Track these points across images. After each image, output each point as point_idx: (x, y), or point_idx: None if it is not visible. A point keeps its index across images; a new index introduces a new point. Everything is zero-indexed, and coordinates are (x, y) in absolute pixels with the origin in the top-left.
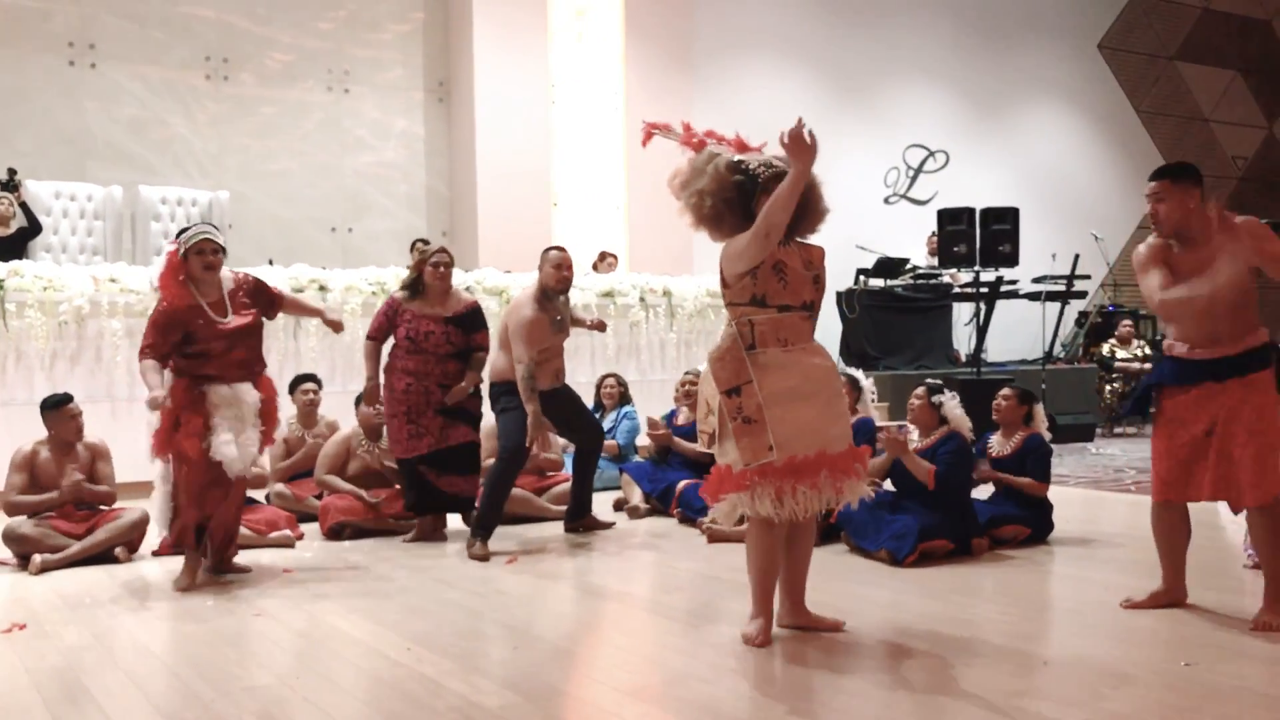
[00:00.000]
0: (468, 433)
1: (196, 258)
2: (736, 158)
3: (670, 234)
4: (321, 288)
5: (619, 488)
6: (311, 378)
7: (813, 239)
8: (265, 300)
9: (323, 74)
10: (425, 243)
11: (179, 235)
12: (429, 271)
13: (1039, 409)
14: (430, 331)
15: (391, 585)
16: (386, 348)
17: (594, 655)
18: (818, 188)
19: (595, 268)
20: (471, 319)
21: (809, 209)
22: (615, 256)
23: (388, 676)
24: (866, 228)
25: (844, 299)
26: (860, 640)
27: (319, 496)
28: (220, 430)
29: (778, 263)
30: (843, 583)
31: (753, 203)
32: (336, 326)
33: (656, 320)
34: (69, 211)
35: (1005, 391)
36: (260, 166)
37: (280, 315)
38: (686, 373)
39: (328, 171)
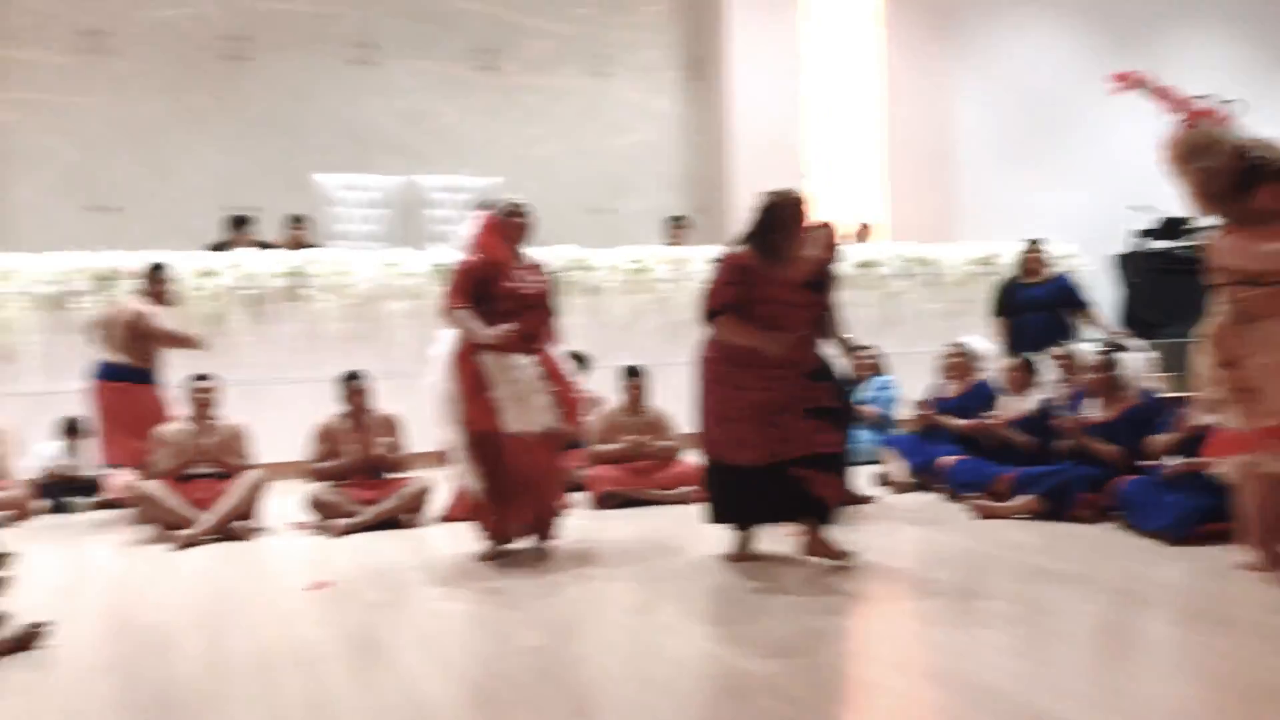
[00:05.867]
0: (838, 440)
1: (515, 219)
2: (1241, 142)
3: (933, 201)
4: (585, 267)
5: (878, 461)
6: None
7: (1082, 198)
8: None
9: (583, 59)
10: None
11: (480, 207)
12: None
13: None
14: (793, 304)
15: (659, 555)
16: None
17: (856, 627)
18: None
19: (859, 238)
20: (825, 278)
21: None
22: (870, 227)
23: (652, 644)
24: (1147, 187)
25: (1125, 263)
26: (1143, 622)
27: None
28: (505, 401)
29: None
30: (1123, 561)
31: (1255, 188)
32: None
33: (919, 290)
34: (357, 201)
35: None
36: (526, 152)
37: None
38: (952, 344)
39: (589, 154)
